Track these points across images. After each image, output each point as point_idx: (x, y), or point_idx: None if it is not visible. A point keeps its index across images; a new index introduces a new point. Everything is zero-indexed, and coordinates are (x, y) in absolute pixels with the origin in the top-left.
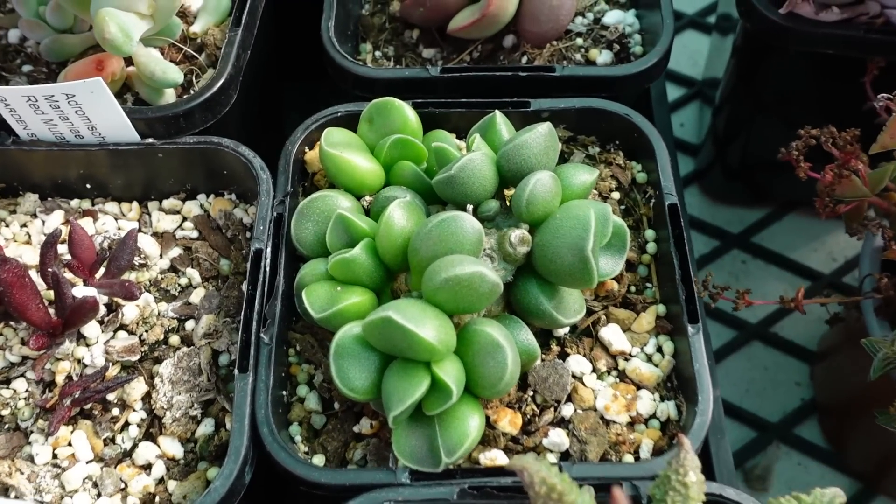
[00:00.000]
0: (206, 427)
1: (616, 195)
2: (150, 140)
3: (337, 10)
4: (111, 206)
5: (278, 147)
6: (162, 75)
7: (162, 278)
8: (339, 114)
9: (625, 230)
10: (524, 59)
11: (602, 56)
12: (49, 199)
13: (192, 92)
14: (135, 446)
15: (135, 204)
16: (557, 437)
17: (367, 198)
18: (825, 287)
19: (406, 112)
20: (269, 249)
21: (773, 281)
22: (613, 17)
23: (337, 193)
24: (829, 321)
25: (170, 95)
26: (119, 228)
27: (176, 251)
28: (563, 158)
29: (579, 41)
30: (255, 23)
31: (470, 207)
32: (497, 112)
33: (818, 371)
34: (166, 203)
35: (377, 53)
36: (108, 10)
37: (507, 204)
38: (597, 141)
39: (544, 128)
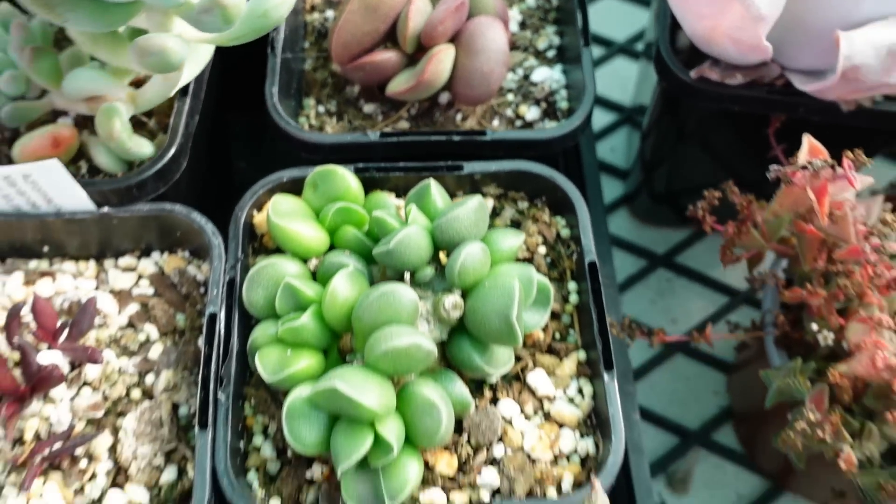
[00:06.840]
0: (169, 474)
1: (542, 250)
2: (105, 210)
3: (280, 73)
4: (68, 266)
5: (229, 204)
6: (137, 150)
7: (121, 335)
8: (284, 179)
9: (548, 288)
10: (458, 116)
11: (531, 112)
12: (8, 260)
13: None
14: (103, 495)
15: (91, 262)
16: (489, 476)
17: (314, 261)
18: (741, 303)
19: (348, 179)
20: (223, 313)
21: (696, 298)
22: (541, 74)
23: (284, 260)
24: (737, 348)
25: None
26: (77, 287)
27: (133, 308)
28: (496, 212)
29: (510, 97)
30: (202, 89)
31: (407, 275)
32: (431, 181)
33: (733, 382)
34: (122, 261)
35: (320, 108)
36: (110, 107)
37: (443, 266)
38: (525, 196)
39: (474, 202)
